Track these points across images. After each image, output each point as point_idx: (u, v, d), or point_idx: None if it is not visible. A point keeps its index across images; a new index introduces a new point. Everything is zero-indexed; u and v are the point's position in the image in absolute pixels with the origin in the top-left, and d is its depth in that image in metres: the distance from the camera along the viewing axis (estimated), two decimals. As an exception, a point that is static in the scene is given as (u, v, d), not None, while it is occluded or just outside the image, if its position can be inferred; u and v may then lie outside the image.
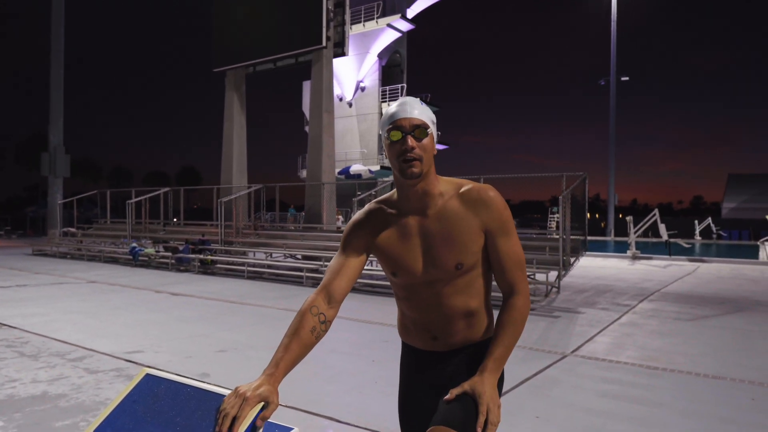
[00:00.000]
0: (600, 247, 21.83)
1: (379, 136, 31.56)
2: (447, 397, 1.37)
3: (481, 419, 1.32)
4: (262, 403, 1.19)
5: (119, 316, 6.38)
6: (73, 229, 17.75)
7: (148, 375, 1.32)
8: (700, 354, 4.88)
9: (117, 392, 3.53)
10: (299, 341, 1.38)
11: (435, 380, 1.57)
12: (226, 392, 1.20)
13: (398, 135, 1.43)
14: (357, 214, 1.62)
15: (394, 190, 1.57)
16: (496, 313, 1.55)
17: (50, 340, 5.05)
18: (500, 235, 1.49)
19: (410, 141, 1.43)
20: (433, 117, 1.51)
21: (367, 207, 1.63)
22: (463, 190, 1.51)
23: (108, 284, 9.36)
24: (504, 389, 3.59)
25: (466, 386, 1.37)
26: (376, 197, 10.67)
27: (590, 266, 13.12)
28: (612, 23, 35.67)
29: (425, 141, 1.45)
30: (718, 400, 3.64)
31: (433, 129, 1.48)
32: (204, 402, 1.21)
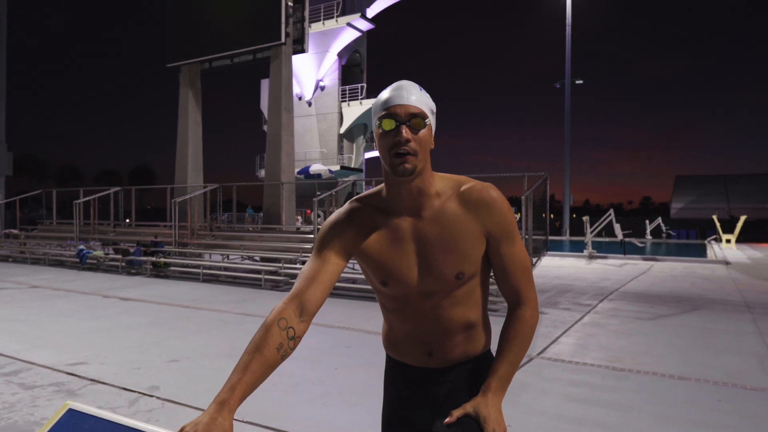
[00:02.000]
0: (556, 247, 22.22)
1: (339, 135, 31.39)
2: (448, 420, 1.23)
3: None
4: None
5: (62, 324, 5.95)
6: (15, 231, 16.76)
7: (70, 410, 1.09)
8: (664, 354, 4.90)
9: (55, 410, 3.21)
10: (262, 361, 1.13)
11: (428, 399, 1.40)
12: None
13: (391, 124, 1.24)
14: (335, 213, 1.41)
15: (381, 186, 1.38)
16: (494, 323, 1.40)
17: (-18, 352, 4.63)
18: (504, 241, 1.32)
19: (405, 132, 1.23)
20: (433, 106, 1.32)
21: (347, 205, 1.42)
22: (462, 189, 1.33)
23: (52, 289, 8.81)
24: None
25: (468, 408, 1.23)
26: (336, 197, 10.30)
27: (549, 266, 13.27)
28: (567, 27, 36.53)
29: (422, 133, 1.25)
30: (686, 401, 3.62)
31: (432, 119, 1.30)
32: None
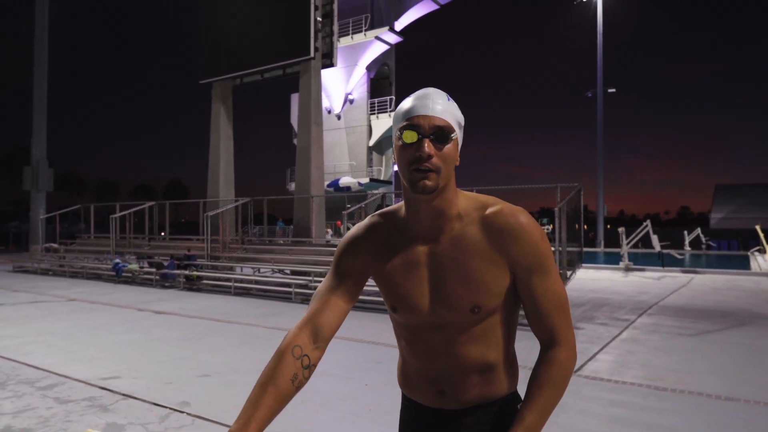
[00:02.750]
0: (590, 259, 21.72)
1: (368, 148, 31.52)
2: None
3: None
4: None
5: (97, 338, 6.05)
6: (55, 245, 17.29)
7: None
8: (709, 372, 4.67)
9: (87, 425, 3.23)
10: (275, 394, 1.07)
11: None
12: None
13: (413, 137, 1.11)
14: (355, 228, 1.31)
15: (402, 203, 1.25)
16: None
17: (21, 365, 4.72)
18: (536, 274, 1.16)
19: (427, 146, 1.10)
20: (461, 118, 1.18)
21: (368, 220, 1.31)
22: (488, 212, 1.18)
23: (89, 302, 9.00)
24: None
25: None
26: (365, 210, 10.26)
27: (584, 278, 12.94)
28: (598, 35, 36.03)
29: (447, 148, 1.12)
30: (735, 425, 3.42)
31: (459, 133, 1.16)
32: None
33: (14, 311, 8.02)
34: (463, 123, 1.20)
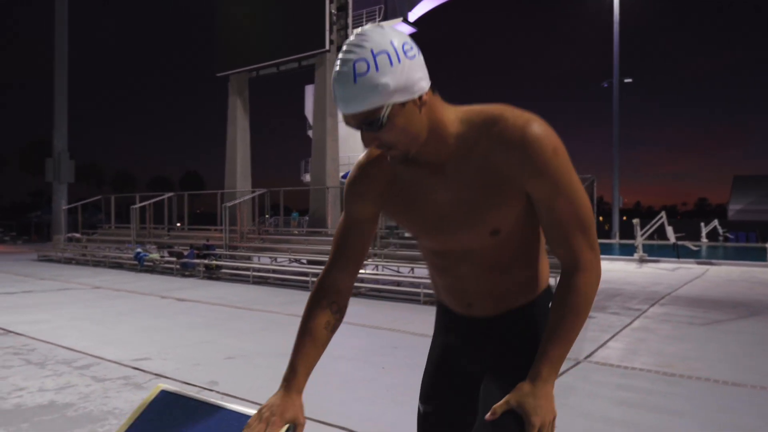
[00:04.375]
0: (605, 250, 21.68)
1: (383, 139, 31.62)
2: (488, 416, 1.08)
3: (530, 429, 1.04)
4: (287, 425, 1.11)
5: (125, 323, 6.31)
6: (77, 235, 17.73)
7: (163, 391, 1.24)
8: (718, 360, 4.78)
9: (125, 401, 3.46)
10: (313, 342, 1.21)
11: (473, 351, 1.31)
12: (247, 412, 1.12)
13: (361, 136, 1.07)
14: (355, 165, 1.28)
15: None
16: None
17: (57, 347, 4.99)
18: (549, 192, 1.09)
19: (366, 139, 1.06)
20: (389, 78, 0.97)
21: (371, 155, 1.25)
22: (493, 129, 1.08)
23: (113, 290, 9.30)
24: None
25: (512, 401, 1.07)
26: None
27: (597, 269, 12.99)
28: (615, 25, 35.65)
29: (389, 126, 1.02)
30: (741, 408, 3.55)
31: (395, 98, 0.99)
32: (224, 422, 1.13)
33: (44, 298, 8.34)
34: (389, 81, 0.98)
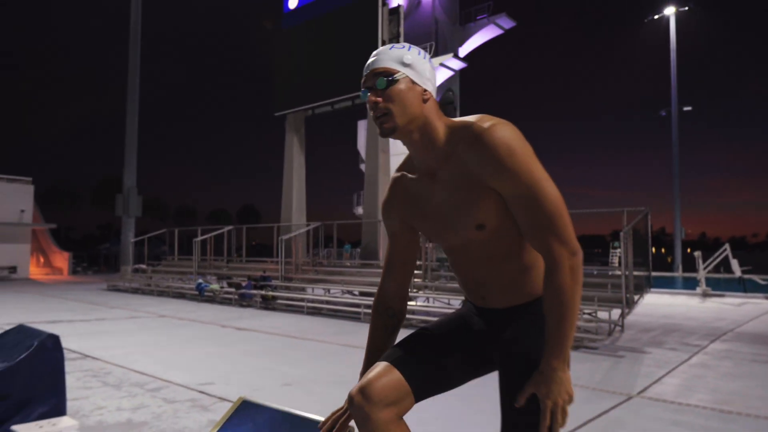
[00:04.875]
0: (667, 284, 20.82)
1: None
2: (518, 404, 1.28)
3: (544, 424, 1.23)
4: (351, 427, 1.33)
5: (189, 349, 6.71)
6: (143, 266, 18.75)
7: (244, 402, 1.47)
8: (779, 398, 4.62)
9: (193, 421, 3.75)
10: (375, 347, 1.52)
11: (490, 335, 1.48)
12: (318, 418, 1.34)
13: (365, 95, 1.28)
14: (386, 193, 1.54)
15: None
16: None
17: (130, 371, 5.39)
18: (511, 188, 1.21)
19: (370, 96, 1.26)
20: (408, 57, 1.27)
21: (392, 177, 1.51)
22: (466, 133, 1.25)
23: (177, 318, 9.83)
24: (566, 431, 3.56)
25: (530, 389, 1.26)
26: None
27: (657, 304, 12.59)
28: (671, 53, 34.95)
29: (393, 89, 1.24)
30: (799, 447, 3.46)
31: (408, 72, 1.26)
32: (297, 428, 1.35)
33: (115, 325, 8.93)
34: (411, 59, 1.27)
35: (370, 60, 1.29)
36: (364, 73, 1.29)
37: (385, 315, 1.53)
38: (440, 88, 32.37)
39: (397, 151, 32.02)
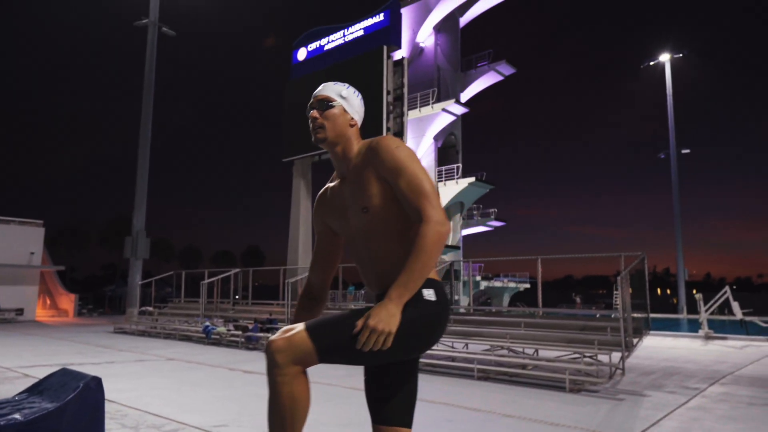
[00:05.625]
0: (672, 326, 20.83)
1: (437, 214, 32.35)
2: (355, 330, 1.61)
3: (365, 330, 1.56)
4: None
5: (200, 392, 6.90)
6: (150, 308, 18.93)
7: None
8: (771, 440, 4.79)
9: (211, 461, 3.95)
10: (302, 316, 2.01)
11: None
12: None
13: (309, 110, 1.84)
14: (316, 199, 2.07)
15: None
16: None
17: (145, 413, 5.60)
18: (396, 176, 1.70)
19: (313, 112, 1.82)
20: (346, 92, 1.85)
21: (321, 191, 2.02)
22: (369, 144, 1.81)
23: (185, 362, 10.00)
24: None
25: (368, 318, 1.60)
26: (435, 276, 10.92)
27: (659, 347, 12.68)
28: (668, 98, 35.84)
29: (329, 112, 1.81)
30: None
31: (342, 103, 1.84)
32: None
33: (125, 368, 9.11)
34: (347, 96, 1.86)
35: (318, 89, 1.86)
36: (312, 98, 1.85)
37: (309, 302, 2.01)
38: (442, 132, 33.15)
39: (401, 193, 32.52)
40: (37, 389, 2.84)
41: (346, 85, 1.88)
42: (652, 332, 15.08)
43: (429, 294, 1.68)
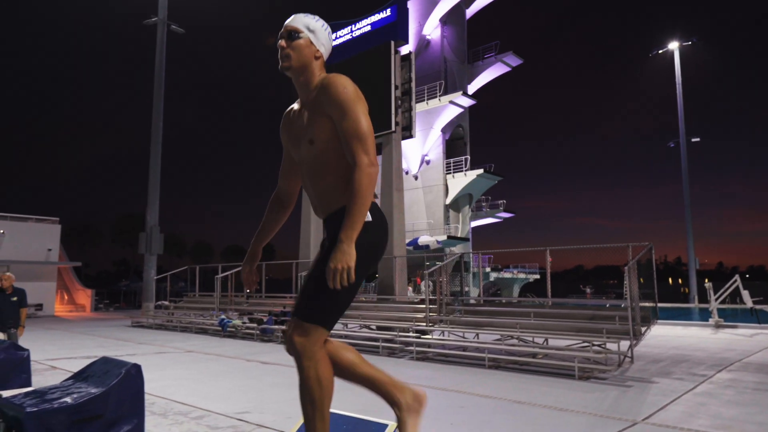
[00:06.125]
0: (683, 315, 20.88)
1: (445, 206, 32.49)
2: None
3: (328, 279, 1.84)
4: None
5: (221, 382, 7.16)
6: (166, 302, 19.29)
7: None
8: (774, 423, 4.95)
9: (238, 445, 4.19)
10: (267, 231, 2.35)
11: (326, 242, 2.14)
12: (383, 423, 1.82)
13: (278, 42, 2.00)
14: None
15: None
16: None
17: (171, 401, 5.86)
18: (339, 116, 1.89)
19: (281, 41, 1.98)
20: (314, 25, 2.00)
21: (286, 111, 2.22)
22: (322, 81, 1.98)
23: (203, 353, 10.29)
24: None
25: (329, 262, 1.87)
26: (445, 269, 11.02)
27: (668, 335, 12.82)
28: (677, 86, 35.60)
29: (296, 42, 1.97)
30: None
31: (310, 35, 1.98)
32: (356, 427, 1.82)
33: (146, 360, 9.41)
34: (314, 28, 2.00)
35: (288, 19, 1.99)
36: (282, 28, 2.00)
37: (278, 209, 2.30)
38: (450, 124, 33.24)
39: (409, 186, 32.70)
40: (81, 376, 3.08)
41: (316, 17, 2.01)
42: (662, 321, 15.21)
43: (366, 217, 1.95)
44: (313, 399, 2.06)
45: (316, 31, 1.98)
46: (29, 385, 4.48)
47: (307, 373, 2.02)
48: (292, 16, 1.99)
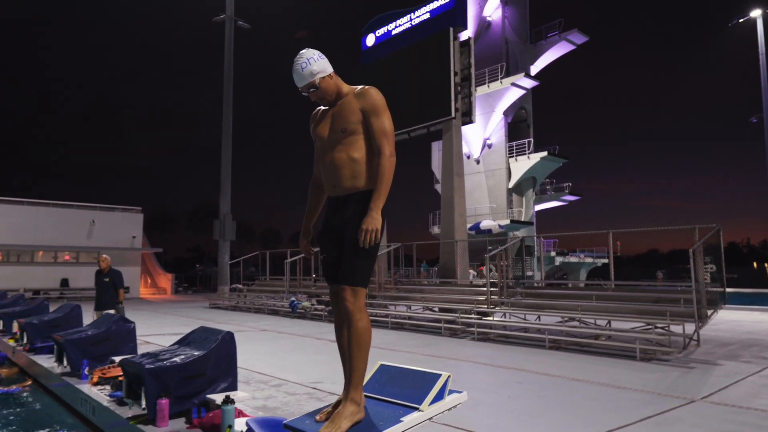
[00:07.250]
0: (764, 300, 19.87)
1: (508, 190, 32.15)
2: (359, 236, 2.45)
3: (360, 239, 2.39)
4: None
5: (294, 356, 7.77)
6: (239, 286, 20.50)
7: (382, 366, 2.34)
8: (841, 404, 4.91)
9: (314, 407, 4.69)
10: (315, 210, 2.88)
11: (338, 221, 2.58)
12: (433, 372, 2.17)
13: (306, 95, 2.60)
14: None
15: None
16: None
17: (251, 372, 6.49)
18: (373, 114, 2.50)
19: (311, 95, 2.58)
20: (314, 67, 2.50)
21: (314, 111, 2.77)
22: (356, 89, 2.61)
23: (276, 332, 11.03)
24: (619, 425, 4.23)
25: (362, 224, 2.43)
26: (506, 253, 11.17)
27: (743, 320, 12.37)
28: (761, 56, 33.25)
29: (318, 90, 2.54)
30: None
31: (317, 77, 2.51)
32: (420, 378, 2.19)
33: (226, 337, 10.23)
34: (314, 68, 2.51)
35: (297, 81, 2.56)
36: (298, 86, 2.58)
37: (317, 192, 2.83)
38: (512, 107, 32.71)
39: (470, 170, 32.55)
40: (185, 341, 3.63)
41: (306, 60, 2.51)
42: (740, 306, 14.66)
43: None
44: (363, 343, 2.60)
45: (317, 68, 2.51)
46: (135, 352, 5.17)
47: (359, 324, 2.56)
48: (295, 75, 2.54)
